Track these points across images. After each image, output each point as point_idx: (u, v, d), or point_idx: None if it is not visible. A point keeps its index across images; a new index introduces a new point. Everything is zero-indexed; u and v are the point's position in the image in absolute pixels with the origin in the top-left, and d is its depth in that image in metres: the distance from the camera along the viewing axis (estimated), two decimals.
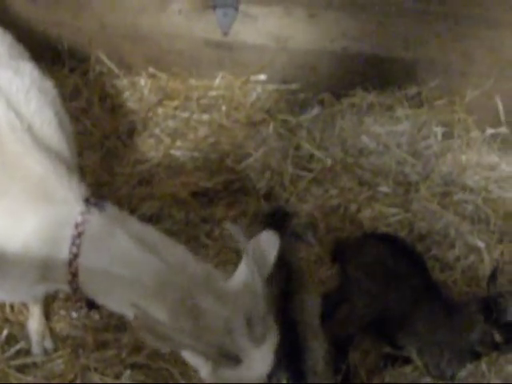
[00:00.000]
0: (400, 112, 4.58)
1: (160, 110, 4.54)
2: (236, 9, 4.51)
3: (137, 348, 3.47)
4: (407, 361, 3.53)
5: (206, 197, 4.15)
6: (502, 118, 4.55)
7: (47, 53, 4.55)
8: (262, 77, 4.68)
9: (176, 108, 4.55)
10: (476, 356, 3.47)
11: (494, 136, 4.58)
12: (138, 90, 4.62)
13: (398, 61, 4.58)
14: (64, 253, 2.82)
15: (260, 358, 2.71)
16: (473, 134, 4.56)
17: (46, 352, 3.52)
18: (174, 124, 4.48)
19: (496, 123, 4.58)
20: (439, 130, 4.55)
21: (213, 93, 4.63)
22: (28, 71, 3.15)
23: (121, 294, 2.84)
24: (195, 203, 4.11)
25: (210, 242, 3.99)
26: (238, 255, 3.88)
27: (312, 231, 3.74)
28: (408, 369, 3.52)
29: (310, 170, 4.29)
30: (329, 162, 4.31)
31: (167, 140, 4.40)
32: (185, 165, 4.29)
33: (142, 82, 4.63)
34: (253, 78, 4.69)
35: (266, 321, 2.71)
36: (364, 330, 3.60)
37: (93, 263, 2.83)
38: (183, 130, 4.46)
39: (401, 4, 4.47)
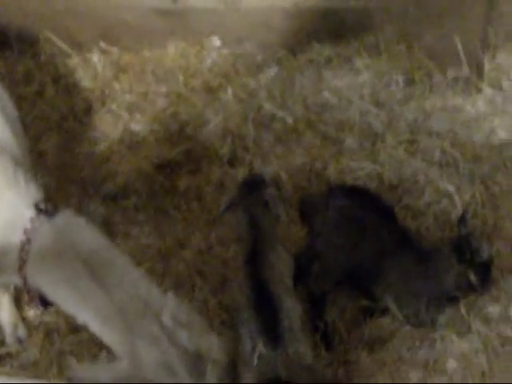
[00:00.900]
0: (359, 63, 4.51)
1: (116, 86, 4.45)
2: None
3: None
4: (385, 312, 3.50)
5: (169, 168, 4.09)
6: (463, 59, 4.46)
7: None
8: (216, 41, 4.59)
9: (132, 82, 4.47)
10: (454, 300, 3.45)
11: (456, 79, 4.50)
12: (91, 67, 4.52)
13: (350, 11, 4.50)
14: (14, 256, 2.84)
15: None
16: (435, 79, 4.49)
17: (19, 341, 3.48)
18: (131, 98, 4.40)
19: (457, 64, 4.50)
20: (400, 78, 4.47)
21: (167, 63, 4.54)
22: None
23: (66, 303, 2.88)
24: (159, 176, 4.06)
25: (178, 213, 3.95)
26: (205, 224, 3.88)
27: (284, 205, 3.67)
28: (387, 320, 3.50)
29: (273, 131, 4.22)
30: (290, 120, 4.24)
31: (125, 115, 4.33)
32: (145, 138, 4.23)
33: (95, 58, 4.52)
34: (206, 43, 4.60)
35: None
36: (339, 286, 3.56)
37: (40, 272, 2.85)
38: (141, 104, 4.38)
39: None
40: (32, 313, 3.56)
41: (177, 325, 2.73)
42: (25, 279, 2.86)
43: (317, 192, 3.79)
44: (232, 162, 4.09)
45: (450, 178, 4.03)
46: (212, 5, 4.50)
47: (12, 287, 3.51)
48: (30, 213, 2.85)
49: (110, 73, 4.49)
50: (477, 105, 4.40)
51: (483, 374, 3.29)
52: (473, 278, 3.27)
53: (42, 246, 2.82)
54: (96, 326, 2.83)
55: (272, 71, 4.52)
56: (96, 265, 2.81)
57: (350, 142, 4.20)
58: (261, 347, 2.95)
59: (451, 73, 4.50)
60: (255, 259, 3.20)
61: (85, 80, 4.48)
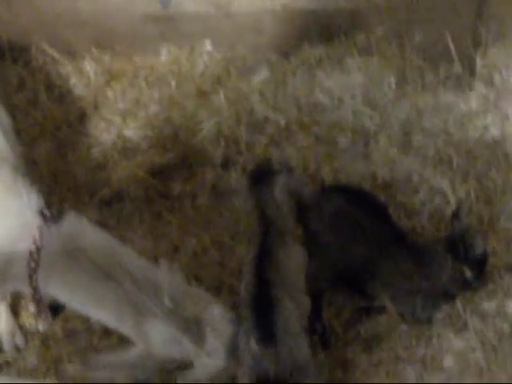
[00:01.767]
0: (351, 63, 4.50)
1: (108, 92, 4.45)
2: None
3: (107, 332, 3.43)
4: (381, 310, 3.51)
5: (163, 173, 4.10)
6: (454, 56, 4.46)
7: None
8: (208, 45, 4.58)
9: (124, 88, 4.46)
10: (450, 297, 3.45)
11: (448, 76, 4.51)
12: (83, 74, 4.50)
13: (341, 11, 4.49)
14: (23, 266, 2.85)
15: (208, 355, 2.84)
16: (427, 77, 4.49)
17: (17, 349, 3.48)
18: (124, 105, 4.39)
19: (449, 62, 4.50)
20: (392, 77, 4.46)
21: (160, 68, 4.53)
22: None
23: (82, 307, 2.95)
24: (153, 180, 4.06)
25: (172, 217, 3.95)
26: (200, 228, 3.88)
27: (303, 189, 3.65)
28: (383, 318, 3.50)
29: (266, 133, 4.22)
30: (283, 122, 4.24)
31: (118, 121, 4.32)
32: (139, 144, 4.22)
33: (87, 65, 4.51)
34: (198, 47, 4.58)
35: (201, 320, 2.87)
36: (335, 285, 3.57)
37: (53, 279, 2.88)
38: (134, 110, 4.37)
39: None
40: (30, 320, 3.56)
41: (176, 294, 2.81)
42: (35, 288, 2.87)
43: (311, 192, 3.78)
44: (225, 165, 4.10)
45: (444, 176, 4.04)
46: (203, 9, 4.49)
47: (9, 296, 3.52)
48: (36, 220, 2.86)
49: (103, 80, 4.48)
50: (469, 102, 4.40)
51: (481, 370, 3.30)
52: (468, 273, 3.28)
53: (53, 252, 2.83)
54: (111, 321, 2.91)
55: (264, 74, 4.50)
56: (104, 260, 2.85)
57: (343, 142, 4.21)
58: (252, 344, 2.96)
59: (443, 71, 4.51)
60: (263, 255, 3.18)
61: (78, 87, 4.47)
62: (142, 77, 4.52)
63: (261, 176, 3.44)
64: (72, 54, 4.56)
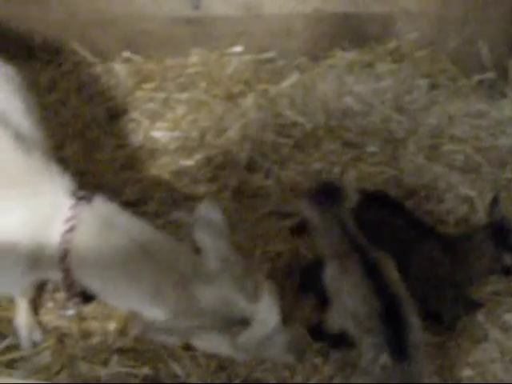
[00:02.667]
0: (381, 68, 4.49)
1: (138, 94, 4.47)
2: None
3: (123, 333, 3.43)
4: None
5: (188, 175, 4.10)
6: (487, 62, 4.39)
7: (21, 49, 4.51)
8: (238, 48, 4.60)
9: (153, 90, 4.49)
10: (474, 306, 3.42)
11: (480, 82, 4.44)
12: (113, 75, 4.55)
13: (372, 16, 4.47)
14: (54, 248, 2.77)
15: (265, 311, 2.70)
16: (459, 83, 4.44)
17: (34, 345, 3.49)
18: (153, 106, 4.41)
19: (481, 68, 4.43)
20: (423, 83, 4.44)
21: (189, 70, 4.56)
22: None
23: (116, 288, 2.83)
24: (178, 183, 4.06)
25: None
26: None
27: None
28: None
29: (292, 137, 4.20)
30: (310, 126, 4.21)
31: (146, 122, 4.34)
32: (165, 145, 4.23)
33: (117, 67, 4.56)
34: (228, 50, 4.61)
35: (253, 277, 2.78)
36: None
37: (86, 259, 2.79)
38: (162, 111, 4.39)
39: None
40: (48, 317, 3.57)
41: (221, 250, 2.77)
42: (67, 271, 2.80)
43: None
44: (250, 168, 4.08)
45: (473, 184, 3.97)
46: (233, 12, 4.52)
47: (30, 292, 3.54)
48: (68, 201, 2.80)
49: (133, 81, 4.52)
50: (502, 109, 4.34)
51: (500, 381, 3.23)
52: (508, 260, 3.21)
53: (86, 233, 2.77)
54: (146, 300, 2.79)
55: (293, 78, 4.50)
56: (139, 237, 2.78)
57: (371, 147, 4.17)
58: (385, 358, 2.91)
59: (475, 77, 4.45)
60: (373, 270, 3.08)
61: (108, 88, 4.51)
62: (172, 79, 4.54)
63: (327, 196, 3.41)
64: (103, 55, 4.62)
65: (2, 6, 4.53)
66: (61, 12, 4.52)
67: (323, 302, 3.24)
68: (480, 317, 3.41)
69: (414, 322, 2.99)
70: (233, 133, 4.20)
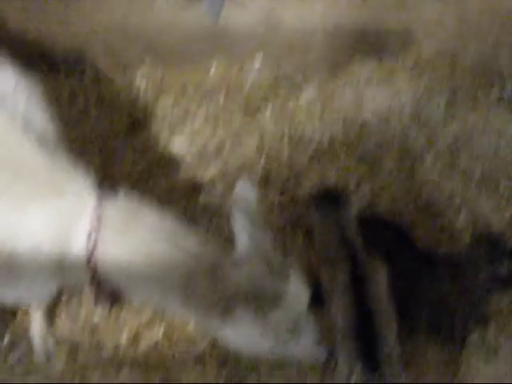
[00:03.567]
0: (400, 82, 4.45)
1: (157, 107, 4.50)
2: None
3: (134, 344, 3.46)
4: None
5: (204, 187, 4.12)
6: (508, 75, 4.36)
7: (42, 62, 4.55)
8: (257, 62, 4.59)
9: (173, 103, 4.51)
10: (484, 319, 3.39)
11: (500, 97, 4.40)
12: (134, 88, 4.57)
13: (391, 29, 4.45)
14: (80, 248, 2.76)
15: (296, 289, 2.73)
16: (478, 97, 4.40)
17: (47, 354, 3.53)
18: (172, 119, 4.42)
19: (502, 82, 4.40)
20: (442, 97, 4.40)
21: (208, 84, 4.56)
22: (9, 70, 3.18)
23: (145, 284, 2.82)
24: (193, 196, 4.08)
25: (212, 230, 3.92)
26: None
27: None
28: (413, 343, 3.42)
29: (308, 151, 4.20)
30: (326, 140, 4.21)
31: (165, 135, 4.36)
32: (183, 158, 4.25)
33: (138, 79, 4.58)
34: (247, 64, 4.60)
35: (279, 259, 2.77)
36: None
37: (113, 257, 2.77)
38: (181, 124, 4.41)
39: None
40: (62, 328, 3.61)
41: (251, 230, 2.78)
42: (94, 271, 2.78)
43: None
44: (265, 181, 4.08)
45: (489, 199, 3.95)
46: (252, 26, 4.52)
47: (46, 303, 3.56)
48: (92, 200, 2.79)
49: (153, 94, 4.54)
50: None
51: None
52: (502, 270, 3.23)
53: (112, 230, 2.75)
54: (177, 296, 2.78)
55: (312, 92, 4.49)
56: (168, 234, 2.77)
57: (387, 162, 4.15)
58: (358, 374, 2.92)
59: (495, 91, 4.42)
60: (358, 281, 3.11)
61: (127, 101, 4.54)
62: (191, 92, 4.55)
63: (330, 200, 3.41)
64: (123, 67, 4.62)
65: (24, 22, 4.59)
66: (82, 25, 4.54)
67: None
68: (490, 333, 3.39)
69: (389, 335, 2.98)
70: (249, 146, 4.21)
